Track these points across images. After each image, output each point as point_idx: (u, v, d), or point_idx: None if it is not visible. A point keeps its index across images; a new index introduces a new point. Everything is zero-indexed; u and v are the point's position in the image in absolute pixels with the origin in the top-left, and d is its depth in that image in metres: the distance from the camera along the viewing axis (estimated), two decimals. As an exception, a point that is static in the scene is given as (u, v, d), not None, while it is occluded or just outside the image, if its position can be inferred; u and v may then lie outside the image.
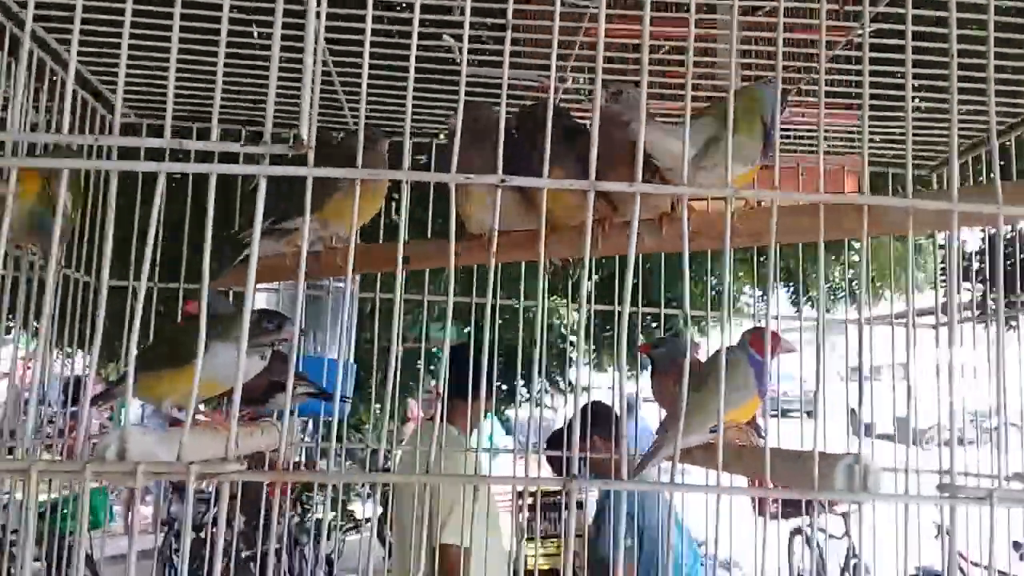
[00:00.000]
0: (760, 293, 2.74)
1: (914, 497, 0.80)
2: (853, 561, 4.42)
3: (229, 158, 0.77)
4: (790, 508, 3.59)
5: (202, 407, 1.45)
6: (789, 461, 1.00)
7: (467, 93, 1.52)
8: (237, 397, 0.72)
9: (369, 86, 1.72)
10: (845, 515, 4.54)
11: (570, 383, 3.30)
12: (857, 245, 2.59)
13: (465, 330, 2.86)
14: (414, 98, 1.62)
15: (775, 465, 1.14)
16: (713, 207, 1.33)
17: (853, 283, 2.42)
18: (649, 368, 1.94)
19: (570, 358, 3.01)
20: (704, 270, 2.59)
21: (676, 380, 1.64)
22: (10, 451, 1.60)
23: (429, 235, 1.87)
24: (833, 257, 2.76)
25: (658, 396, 1.79)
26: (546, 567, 3.68)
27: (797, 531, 4.64)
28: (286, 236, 1.49)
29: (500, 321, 2.31)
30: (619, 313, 0.80)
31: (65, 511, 4.31)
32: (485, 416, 2.50)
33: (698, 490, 0.92)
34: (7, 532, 1.70)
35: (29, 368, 1.77)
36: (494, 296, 0.92)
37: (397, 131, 1.80)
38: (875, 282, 2.68)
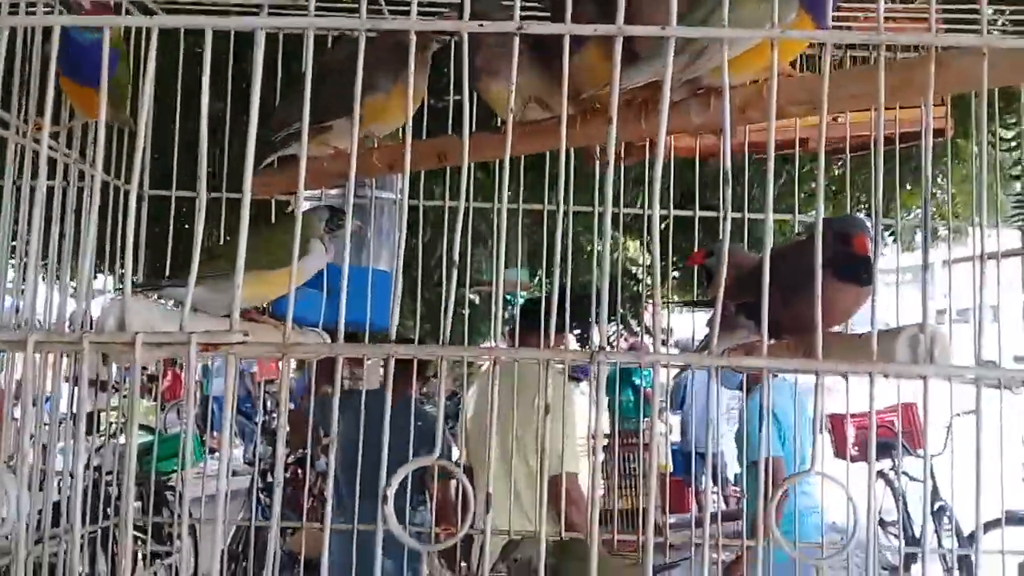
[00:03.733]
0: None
1: (993, 370, 0.72)
2: (938, 504, 4.27)
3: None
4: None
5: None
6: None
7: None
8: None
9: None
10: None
11: (646, 328, 3.16)
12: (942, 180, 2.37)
13: (536, 274, 2.75)
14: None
15: (837, 348, 1.06)
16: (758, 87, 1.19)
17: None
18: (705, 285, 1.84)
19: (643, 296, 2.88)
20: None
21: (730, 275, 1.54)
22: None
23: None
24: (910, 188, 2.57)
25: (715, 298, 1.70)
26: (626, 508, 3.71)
27: (880, 474, 4.50)
28: (320, 136, 1.45)
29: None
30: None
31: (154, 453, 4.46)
32: None
33: (753, 369, 0.86)
34: (103, 474, 1.71)
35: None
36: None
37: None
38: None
